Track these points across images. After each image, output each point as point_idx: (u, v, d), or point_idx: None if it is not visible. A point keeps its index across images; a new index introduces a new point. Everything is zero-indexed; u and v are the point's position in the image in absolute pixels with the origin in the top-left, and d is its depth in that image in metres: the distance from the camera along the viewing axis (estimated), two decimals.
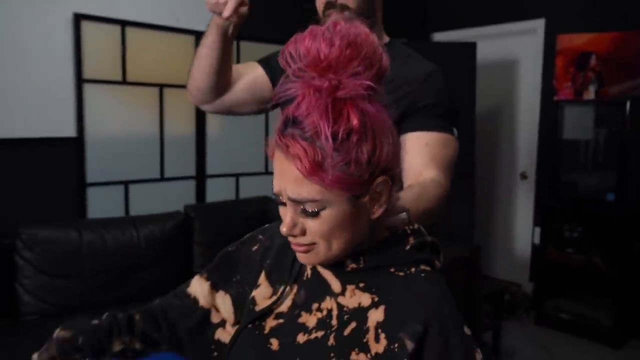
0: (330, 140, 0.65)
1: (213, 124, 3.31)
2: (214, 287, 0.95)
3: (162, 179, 3.13)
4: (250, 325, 0.84)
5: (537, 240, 3.83)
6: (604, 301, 3.33)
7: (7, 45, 2.51)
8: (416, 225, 0.82)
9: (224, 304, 0.94)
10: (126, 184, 2.98)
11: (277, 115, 1.18)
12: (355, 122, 0.66)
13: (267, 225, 0.98)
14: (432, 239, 0.82)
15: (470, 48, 3.71)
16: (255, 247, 0.94)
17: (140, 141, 3.02)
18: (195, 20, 3.16)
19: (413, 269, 0.76)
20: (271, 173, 2.65)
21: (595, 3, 3.51)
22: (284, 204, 0.73)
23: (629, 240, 3.16)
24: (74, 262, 2.49)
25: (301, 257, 0.77)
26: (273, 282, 0.87)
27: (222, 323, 0.94)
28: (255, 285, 0.89)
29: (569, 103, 3.36)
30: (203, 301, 0.95)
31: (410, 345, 0.68)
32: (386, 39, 1.35)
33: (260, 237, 0.95)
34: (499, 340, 3.11)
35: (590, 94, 3.30)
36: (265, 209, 3.22)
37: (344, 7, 1.24)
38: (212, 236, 2.95)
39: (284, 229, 0.73)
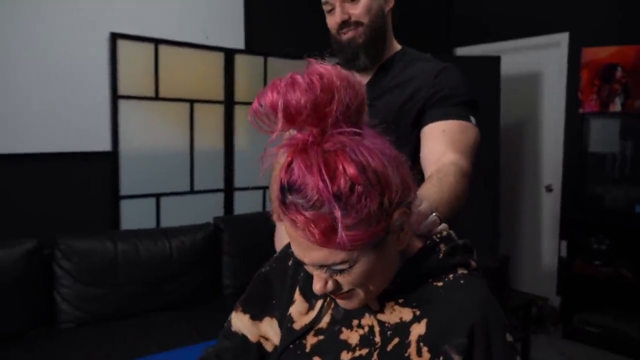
0: (335, 204, 0.60)
1: (241, 139, 3.39)
2: (255, 318, 0.91)
3: (192, 191, 3.21)
4: (291, 346, 0.81)
5: (563, 254, 3.80)
6: (633, 314, 3.28)
7: (48, 64, 2.63)
8: (444, 232, 0.80)
9: (273, 329, 0.89)
10: (158, 196, 3.07)
11: None
12: (353, 172, 0.60)
13: None
14: (464, 241, 0.80)
15: (494, 62, 3.74)
16: (290, 261, 0.90)
17: (171, 155, 3.10)
18: (224, 37, 3.27)
19: (451, 276, 0.75)
20: None
21: (619, 16, 3.51)
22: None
23: None
24: (109, 271, 2.57)
25: (342, 304, 0.74)
26: (308, 297, 0.83)
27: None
28: (290, 302, 0.85)
29: (595, 115, 3.36)
30: (250, 335, 0.91)
31: (457, 358, 0.67)
32: (398, 47, 1.40)
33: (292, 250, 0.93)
34: (527, 354, 3.09)
35: (616, 106, 3.29)
36: None
37: (358, 24, 1.28)
38: (241, 247, 3.01)
39: (317, 289, 0.70)
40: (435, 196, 0.95)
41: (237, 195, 3.42)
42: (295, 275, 0.87)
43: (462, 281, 0.74)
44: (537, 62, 4.13)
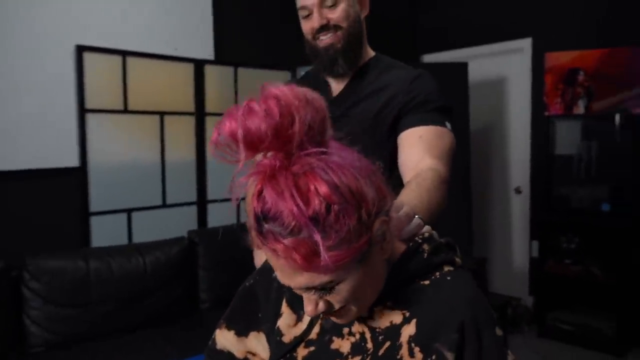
0: (314, 227, 0.58)
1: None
2: (240, 334, 0.89)
3: (165, 205, 3.14)
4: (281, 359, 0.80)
5: (534, 254, 3.89)
6: (604, 311, 3.37)
7: (12, 77, 2.55)
8: (426, 233, 0.79)
9: (260, 343, 0.88)
10: (129, 211, 2.99)
11: None
12: (325, 191, 0.58)
13: None
14: (447, 239, 0.80)
15: (462, 68, 3.81)
16: (275, 273, 0.87)
17: (142, 169, 3.04)
18: (193, 48, 3.23)
19: (437, 274, 0.75)
20: None
21: (579, 22, 3.64)
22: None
23: (625, 249, 3.22)
24: (81, 291, 2.49)
25: (336, 321, 0.74)
26: (296, 308, 0.82)
27: None
28: (278, 315, 0.84)
29: (560, 118, 3.46)
30: (236, 352, 0.90)
31: (450, 355, 0.67)
32: (372, 53, 1.41)
33: None
34: None
35: (579, 108, 3.40)
36: None
37: (337, 28, 1.29)
38: (216, 260, 2.97)
39: (309, 311, 0.69)
40: (415, 201, 0.94)
41: (211, 208, 3.37)
42: (281, 287, 0.85)
43: (448, 278, 0.74)
44: (503, 68, 4.23)
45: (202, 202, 3.32)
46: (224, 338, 0.90)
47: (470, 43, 4.32)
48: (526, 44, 4.00)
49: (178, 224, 3.16)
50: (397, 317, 0.73)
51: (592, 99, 3.34)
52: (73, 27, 2.74)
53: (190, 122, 3.24)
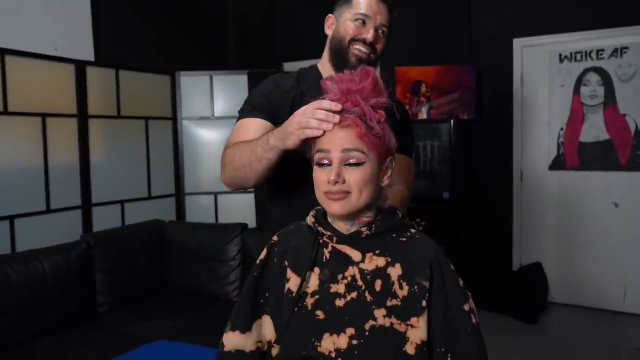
0: (374, 119, 0.98)
1: (96, 152, 3.29)
2: (245, 330, 1.07)
3: (49, 211, 3.02)
4: (296, 310, 1.02)
5: None
6: None
7: None
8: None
9: (267, 326, 1.08)
10: (11, 218, 2.83)
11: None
12: (384, 115, 1.00)
13: (274, 238, 1.15)
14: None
15: None
16: (275, 259, 1.10)
17: (23, 173, 2.89)
18: (74, 49, 3.16)
19: (409, 234, 1.05)
20: (154, 198, 3.07)
21: (421, 43, 4.37)
22: (328, 165, 0.99)
23: (459, 229, 4.00)
24: None
25: (335, 206, 0.99)
26: (299, 271, 1.05)
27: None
28: (285, 281, 1.06)
29: None
30: (245, 347, 1.07)
31: (427, 284, 0.97)
32: None
33: (277, 249, 1.11)
34: None
35: (423, 114, 4.10)
36: (161, 231, 3.31)
37: (374, 52, 1.52)
38: (113, 262, 2.96)
39: (332, 177, 0.96)
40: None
41: (96, 211, 3.31)
42: (281, 264, 1.09)
43: (417, 236, 1.06)
44: None
45: (87, 206, 3.25)
46: (230, 341, 1.07)
47: (320, 55, 4.80)
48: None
49: (63, 229, 3.07)
50: (381, 262, 1.00)
51: (432, 107, 4.06)
52: None
53: (73, 125, 3.16)
